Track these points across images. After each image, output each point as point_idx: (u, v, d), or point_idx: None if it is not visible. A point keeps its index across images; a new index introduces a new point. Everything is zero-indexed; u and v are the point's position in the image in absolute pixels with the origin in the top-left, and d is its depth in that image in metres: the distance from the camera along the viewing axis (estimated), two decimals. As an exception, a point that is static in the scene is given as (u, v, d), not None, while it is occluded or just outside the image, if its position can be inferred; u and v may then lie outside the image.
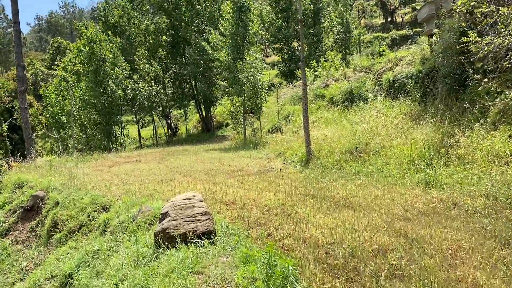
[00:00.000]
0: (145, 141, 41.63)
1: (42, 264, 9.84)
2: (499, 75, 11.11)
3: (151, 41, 36.95)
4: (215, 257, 4.76)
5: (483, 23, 9.27)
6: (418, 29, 44.58)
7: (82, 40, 30.59)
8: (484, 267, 4.32)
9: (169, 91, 37.82)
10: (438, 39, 14.28)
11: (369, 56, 25.50)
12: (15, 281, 9.78)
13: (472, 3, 9.03)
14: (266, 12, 39.48)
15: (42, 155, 36.28)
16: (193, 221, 5.30)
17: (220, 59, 27.00)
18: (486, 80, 11.16)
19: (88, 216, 10.16)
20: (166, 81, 37.26)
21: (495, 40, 7.74)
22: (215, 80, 34.85)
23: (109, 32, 33.90)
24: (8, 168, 18.75)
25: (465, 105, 11.56)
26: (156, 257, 5.09)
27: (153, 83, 34.37)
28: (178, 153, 21.56)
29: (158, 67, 34.98)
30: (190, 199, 5.67)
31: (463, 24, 12.05)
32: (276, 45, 39.72)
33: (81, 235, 9.80)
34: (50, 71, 58.67)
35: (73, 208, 10.87)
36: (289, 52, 38.09)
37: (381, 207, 7.50)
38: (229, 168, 14.66)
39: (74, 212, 10.67)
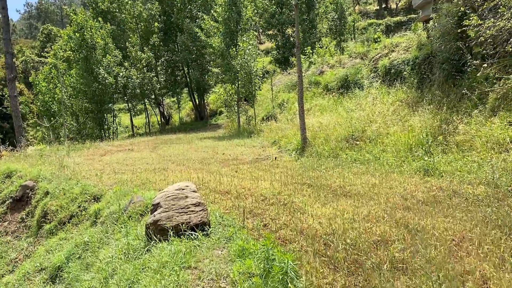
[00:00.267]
0: (137, 129, 41.21)
1: (32, 255, 9.60)
2: (498, 60, 10.90)
3: (143, 27, 36.28)
4: (209, 250, 4.53)
5: (484, 6, 9.02)
6: (413, 15, 44.25)
7: (72, 27, 29.95)
8: (491, 259, 4.13)
9: (162, 79, 37.30)
10: (436, 24, 14.01)
11: (365, 43, 25.14)
12: (4, 273, 9.54)
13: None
14: (260, -3, 38.84)
15: (33, 144, 35.77)
16: (186, 212, 5.06)
17: (213, 45, 26.55)
18: (485, 65, 10.97)
19: (79, 207, 9.91)
20: (158, 68, 36.71)
21: (498, 23, 7.48)
22: (208, 67, 34.37)
23: (100, 19, 33.17)
24: (-2, 157, 18.38)
25: (463, 91, 11.36)
26: (147, 250, 4.86)
27: (145, 71, 33.83)
28: (171, 142, 21.27)
29: (151, 54, 34.41)
30: (183, 189, 5.42)
31: (461, 8, 11.77)
32: (270, 32, 39.17)
33: (72, 225, 9.55)
34: (40, 59, 57.71)
35: (63, 198, 10.61)
36: (283, 38, 37.57)
37: (380, 196, 7.30)
38: (223, 156, 14.41)
39: (64, 202, 10.42)
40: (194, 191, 5.44)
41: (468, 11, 11.49)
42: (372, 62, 19.37)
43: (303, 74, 17.53)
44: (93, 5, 37.16)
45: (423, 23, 19.92)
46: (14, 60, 24.72)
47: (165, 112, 41.96)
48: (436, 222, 5.48)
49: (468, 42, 11.64)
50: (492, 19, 8.05)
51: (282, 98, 24.59)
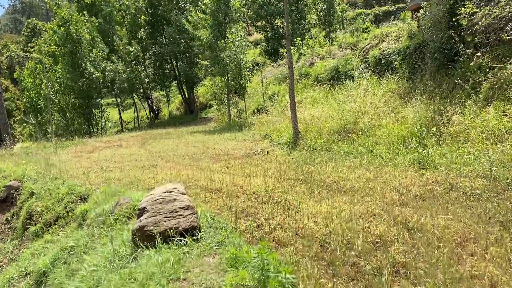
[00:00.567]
0: (126, 124, 40.62)
1: (17, 259, 9.28)
2: (491, 49, 10.71)
3: (130, 20, 35.58)
4: (199, 258, 4.26)
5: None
6: (401, 4, 43.99)
7: (56, 20, 29.23)
8: (497, 261, 3.92)
9: (150, 72, 36.71)
10: (427, 13, 13.76)
11: (354, 33, 24.82)
12: (-11, 278, 9.20)
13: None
14: (248, -12, 38.27)
15: (20, 141, 35.11)
16: (175, 216, 4.79)
17: (201, 37, 26.07)
18: (478, 54, 10.79)
19: (65, 208, 9.60)
20: (146, 61, 36.11)
21: (494, 11, 7.26)
22: (197, 59, 33.84)
23: (85, 12, 32.43)
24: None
25: (456, 80, 11.17)
26: (134, 257, 4.58)
27: (133, 64, 33.24)
28: (160, 137, 20.91)
29: (139, 47, 33.80)
30: (171, 192, 5.14)
31: (453, -4, 11.55)
32: (259, 23, 38.64)
33: (58, 227, 9.25)
34: (26, 54, 56.52)
35: (49, 199, 10.28)
36: (272, 30, 37.12)
37: (375, 191, 7.09)
38: (214, 151, 14.13)
39: (50, 203, 10.10)
40: (182, 193, 5.17)
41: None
42: (362, 53, 19.11)
43: (293, 66, 17.23)
44: (77, -1, 36.34)
45: (412, 12, 19.68)
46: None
47: (154, 106, 41.38)
48: (436, 219, 5.28)
49: (460, 31, 11.44)
50: (487, 7, 7.82)
51: (272, 90, 24.26)
